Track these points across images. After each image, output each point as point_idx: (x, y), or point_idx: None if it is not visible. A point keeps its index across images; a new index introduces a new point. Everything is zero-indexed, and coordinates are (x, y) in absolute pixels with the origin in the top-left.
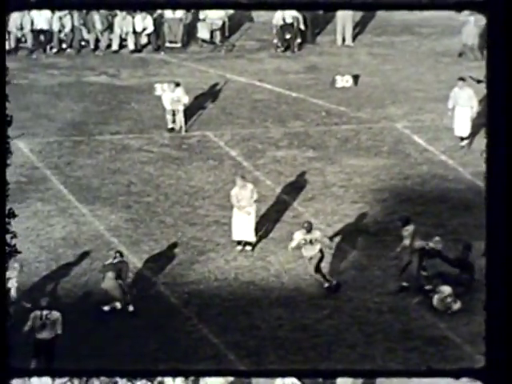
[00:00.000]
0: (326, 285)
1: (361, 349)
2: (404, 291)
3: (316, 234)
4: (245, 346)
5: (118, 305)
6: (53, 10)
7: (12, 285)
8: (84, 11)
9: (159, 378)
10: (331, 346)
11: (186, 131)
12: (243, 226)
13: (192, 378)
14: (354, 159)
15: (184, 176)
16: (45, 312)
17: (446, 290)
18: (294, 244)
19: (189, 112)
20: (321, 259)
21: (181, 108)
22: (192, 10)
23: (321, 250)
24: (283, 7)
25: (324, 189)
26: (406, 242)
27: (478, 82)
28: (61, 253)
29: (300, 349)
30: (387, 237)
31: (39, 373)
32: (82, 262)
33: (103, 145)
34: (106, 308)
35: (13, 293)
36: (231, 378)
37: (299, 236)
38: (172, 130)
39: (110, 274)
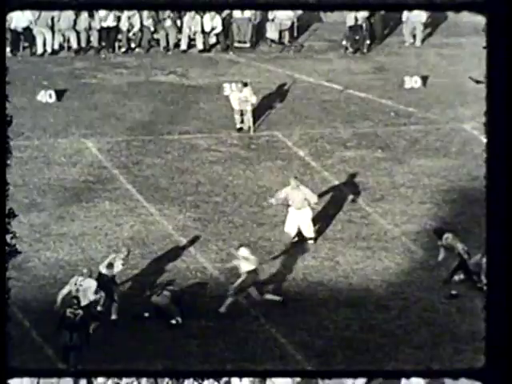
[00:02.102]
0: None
1: (428, 349)
2: (454, 298)
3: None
4: (312, 346)
5: (179, 320)
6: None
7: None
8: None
9: (226, 378)
10: (399, 347)
11: (255, 131)
12: (297, 225)
13: (259, 379)
14: (422, 160)
15: (252, 176)
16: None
17: None
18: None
19: (257, 112)
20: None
21: (249, 108)
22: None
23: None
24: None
25: (392, 189)
26: (459, 246)
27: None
28: None
29: (367, 349)
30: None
31: (39, 373)
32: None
33: (172, 144)
34: (173, 321)
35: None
36: (298, 379)
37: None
38: (240, 129)
39: (167, 293)
